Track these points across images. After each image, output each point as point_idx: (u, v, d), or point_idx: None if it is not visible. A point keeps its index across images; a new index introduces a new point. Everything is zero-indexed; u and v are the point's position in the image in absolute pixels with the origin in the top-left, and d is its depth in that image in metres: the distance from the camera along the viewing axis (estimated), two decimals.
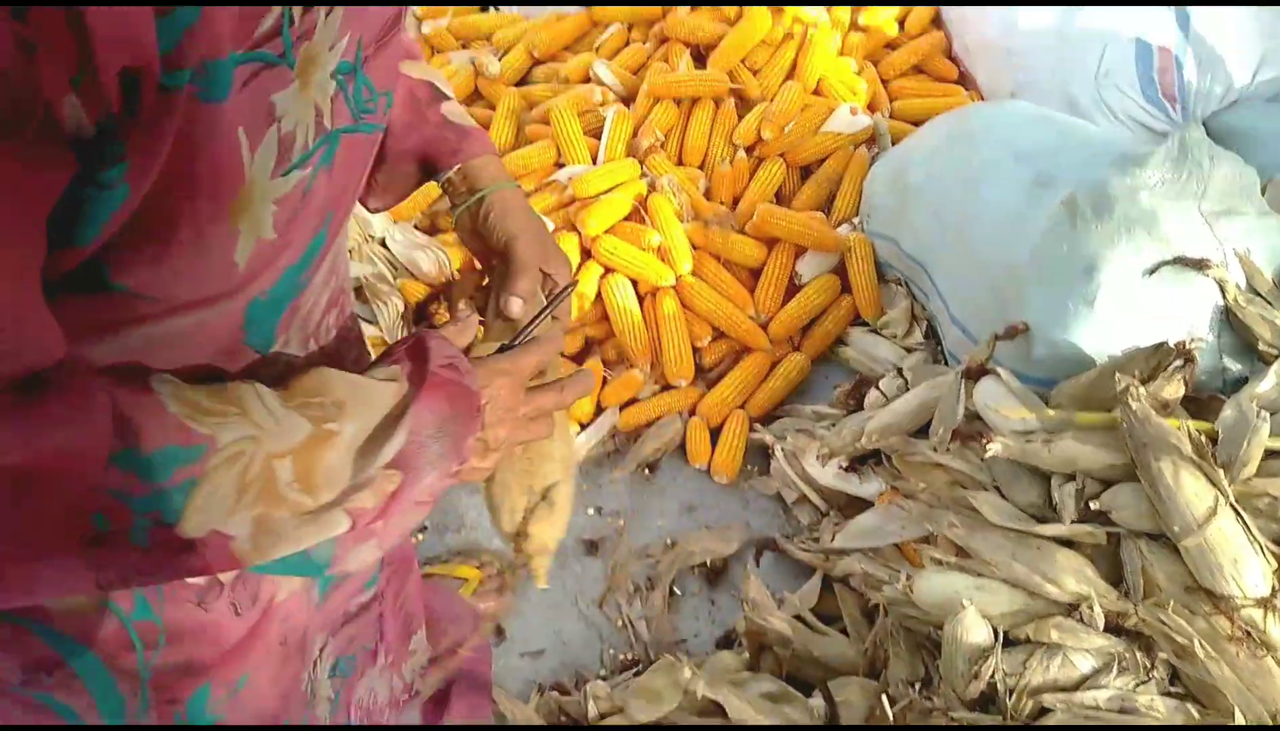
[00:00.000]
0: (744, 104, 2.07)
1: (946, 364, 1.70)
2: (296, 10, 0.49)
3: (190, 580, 0.69)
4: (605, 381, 1.83)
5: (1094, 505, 1.19)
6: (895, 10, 2.26)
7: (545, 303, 0.83)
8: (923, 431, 1.46)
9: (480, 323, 0.81)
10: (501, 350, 0.75)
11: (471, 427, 0.66)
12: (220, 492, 0.53)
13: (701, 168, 2.04)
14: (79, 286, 0.50)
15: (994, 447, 1.21)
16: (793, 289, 1.87)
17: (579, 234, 1.86)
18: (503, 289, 0.82)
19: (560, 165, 2.01)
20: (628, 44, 2.25)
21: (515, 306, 0.80)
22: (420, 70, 0.85)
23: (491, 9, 2.49)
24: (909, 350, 1.79)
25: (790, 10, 2.12)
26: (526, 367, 0.74)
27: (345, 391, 0.60)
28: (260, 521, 0.55)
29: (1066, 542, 1.21)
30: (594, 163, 1.99)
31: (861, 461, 1.57)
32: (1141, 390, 1.13)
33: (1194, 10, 1.91)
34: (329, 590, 0.90)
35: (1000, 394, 1.30)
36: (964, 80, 2.21)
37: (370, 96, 0.60)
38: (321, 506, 0.58)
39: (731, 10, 2.14)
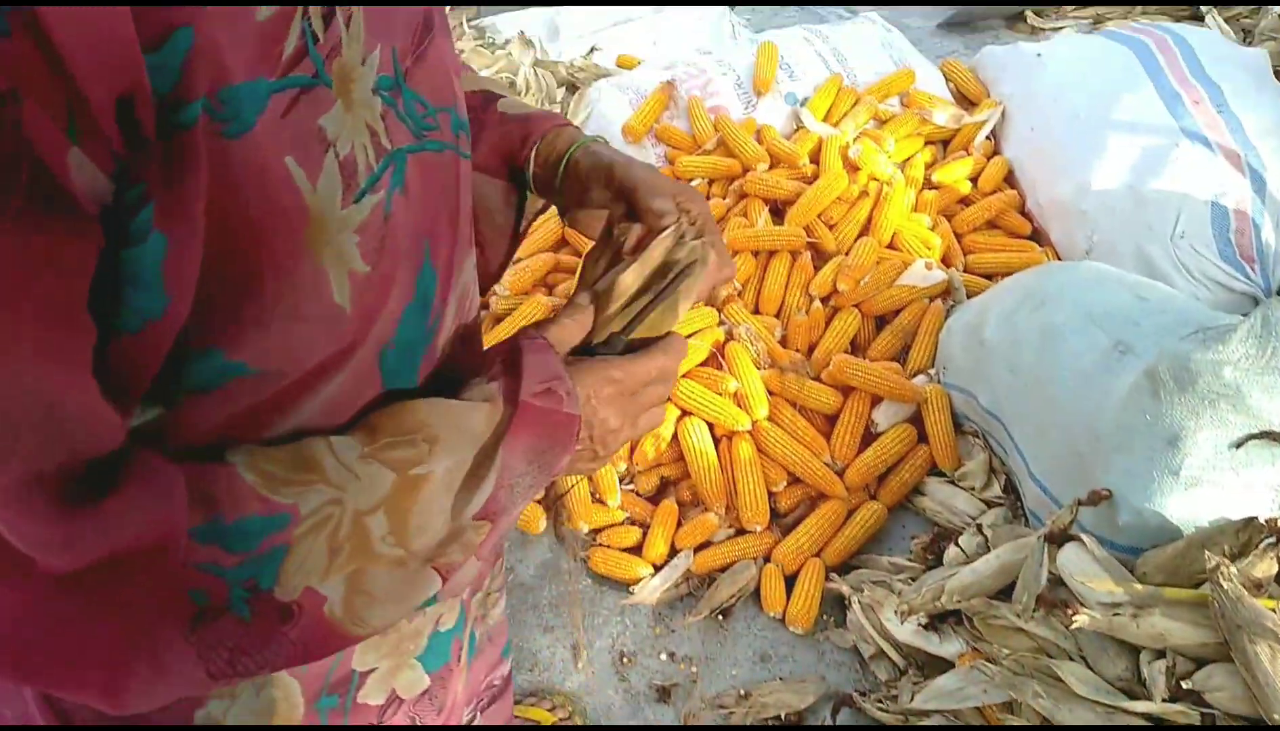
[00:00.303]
0: (820, 256, 2.14)
1: (1027, 522, 1.69)
2: (317, 26, 0.47)
3: (372, 700, 0.68)
4: (680, 523, 1.86)
5: (1186, 684, 1.16)
6: (968, 168, 2.34)
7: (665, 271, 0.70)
8: (1004, 593, 1.45)
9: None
10: (612, 340, 0.68)
11: (565, 454, 0.63)
12: (314, 556, 0.51)
13: (778, 316, 2.10)
14: (203, 380, 0.49)
15: (1080, 620, 1.20)
16: (869, 437, 1.90)
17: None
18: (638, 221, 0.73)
19: None
20: (708, 198, 2.36)
21: (666, 217, 0.71)
22: (469, 81, 0.78)
23: None
24: (988, 504, 1.79)
25: (866, 168, 2.21)
26: (640, 377, 0.67)
27: (437, 423, 0.57)
28: (354, 580, 0.53)
29: (1157, 722, 1.18)
30: None
31: (941, 619, 1.56)
32: (1232, 569, 1.12)
33: (1269, 173, 1.94)
34: (474, 658, 0.86)
35: (1085, 562, 1.29)
36: (1037, 236, 2.26)
37: (426, 112, 0.58)
38: (414, 559, 0.56)
39: (809, 168, 2.24)
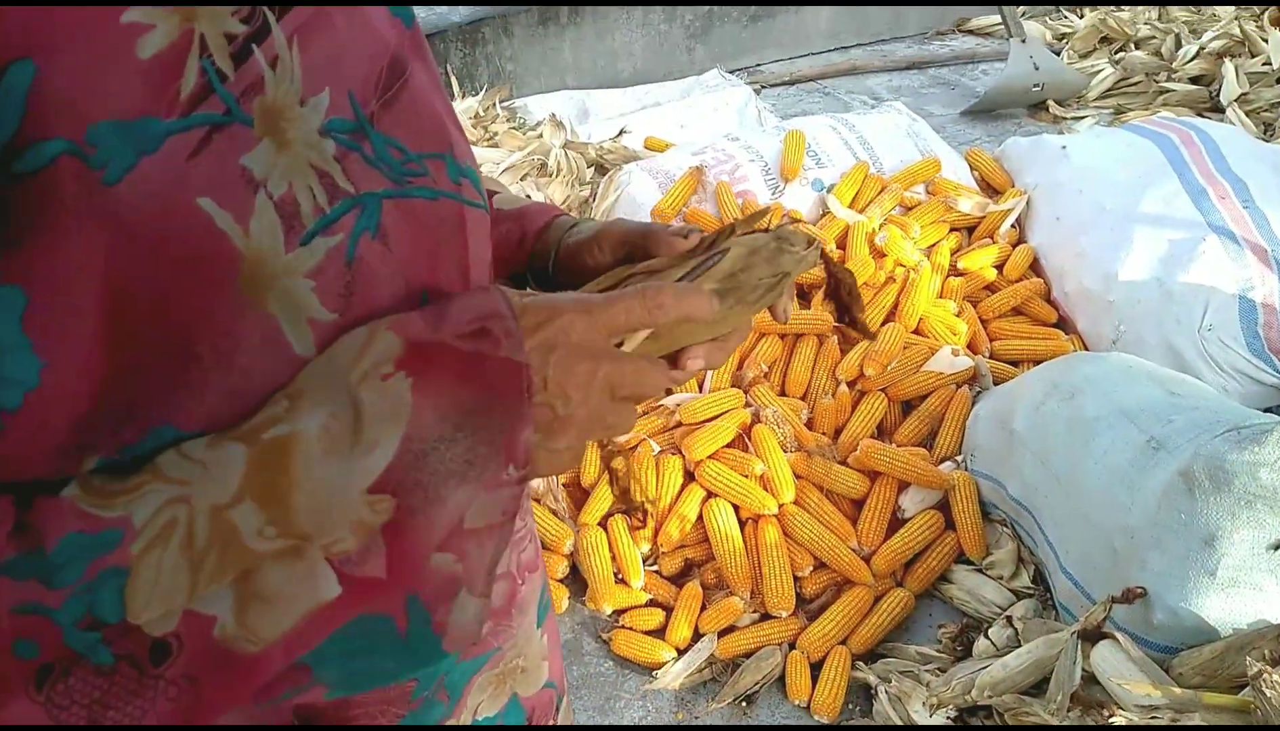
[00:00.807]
0: (846, 341, 2.16)
1: (1057, 614, 1.67)
2: (223, 65, 0.44)
3: None
4: (704, 607, 1.84)
5: None
6: (994, 255, 2.36)
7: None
8: (1036, 688, 1.43)
9: None
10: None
11: (515, 417, 0.49)
12: (167, 573, 0.42)
13: (804, 399, 2.11)
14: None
15: (1118, 722, 1.17)
16: (895, 523, 1.89)
17: (684, 457, 1.93)
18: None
19: (668, 391, 2.11)
20: None
21: (691, 236, 0.64)
22: None
23: None
24: (1016, 594, 1.77)
25: (892, 254, 2.24)
26: (616, 316, 0.54)
27: (301, 377, 0.47)
28: (242, 586, 0.44)
29: None
30: (700, 390, 2.08)
31: (971, 713, 1.53)
32: (1275, 675, 1.10)
33: None
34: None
35: (1120, 662, 1.27)
36: (1063, 324, 2.27)
37: (405, 157, 0.54)
38: (313, 546, 0.45)
39: (836, 254, 2.27)
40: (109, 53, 0.40)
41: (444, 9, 3.24)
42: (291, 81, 0.47)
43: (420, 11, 3.19)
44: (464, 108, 3.36)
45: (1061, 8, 4.33)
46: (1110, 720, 1.17)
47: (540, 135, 3.24)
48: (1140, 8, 4.08)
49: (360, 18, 0.53)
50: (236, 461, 0.45)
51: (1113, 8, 4.08)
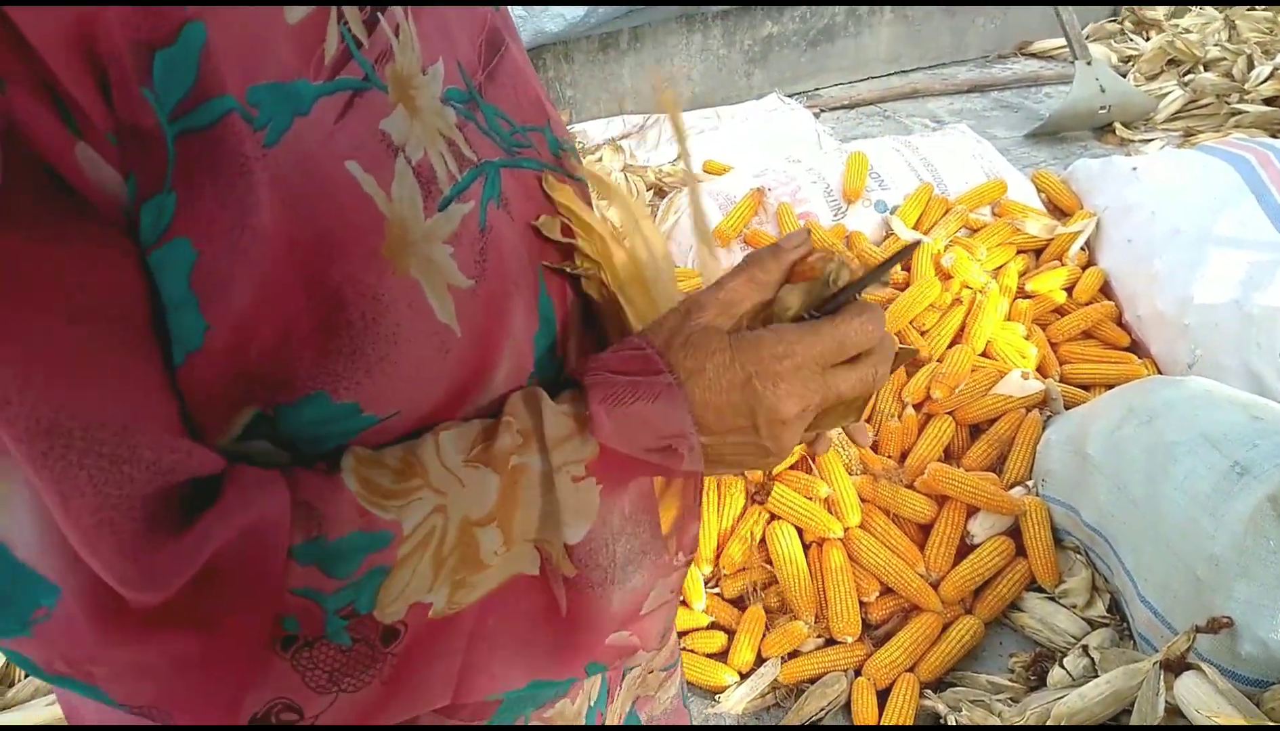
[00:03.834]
0: (913, 363, 2.13)
1: (1135, 645, 1.62)
2: (358, 31, 0.45)
3: None
4: (767, 630, 1.82)
5: None
6: (1063, 278, 2.32)
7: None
8: (1114, 720, 1.39)
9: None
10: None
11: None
12: (418, 576, 0.46)
13: (870, 421, 2.08)
14: (318, 429, 0.46)
15: None
16: (964, 549, 1.85)
17: (745, 478, 1.91)
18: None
19: None
20: None
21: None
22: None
23: None
24: (1091, 624, 1.72)
25: (959, 276, 2.21)
26: (821, 347, 0.53)
27: (531, 417, 0.50)
28: (458, 584, 0.48)
29: None
30: None
31: None
32: None
33: None
34: None
35: (1207, 694, 1.23)
36: (1136, 348, 2.22)
37: (512, 129, 0.55)
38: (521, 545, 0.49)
39: (900, 275, 2.25)
40: (263, 17, 0.41)
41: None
42: (413, 50, 0.48)
43: None
44: None
45: (1128, 31, 4.26)
46: None
47: (600, 159, 3.27)
48: (1209, 29, 4.00)
49: None
50: (491, 487, 0.48)
51: (1180, 30, 4.01)
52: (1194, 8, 4.24)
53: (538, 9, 3.31)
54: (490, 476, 0.48)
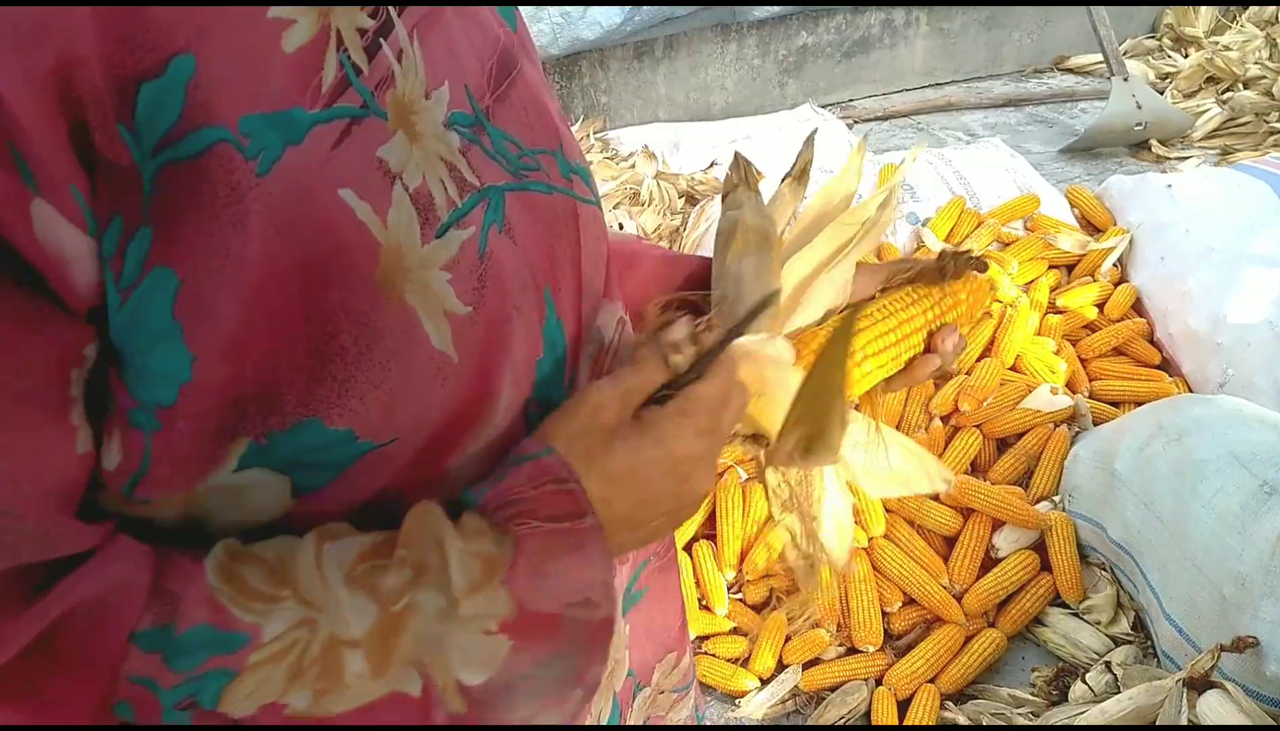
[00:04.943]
0: (941, 376, 2.13)
1: (1159, 662, 1.61)
2: (358, 59, 0.45)
3: None
4: (789, 638, 1.83)
5: None
6: (1094, 294, 2.31)
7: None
8: None
9: None
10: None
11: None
12: (268, 683, 0.44)
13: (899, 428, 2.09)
14: (312, 455, 0.46)
15: None
16: (989, 562, 1.85)
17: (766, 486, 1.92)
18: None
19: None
20: None
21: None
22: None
23: None
24: (1115, 640, 1.72)
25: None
26: (713, 401, 0.56)
27: (430, 550, 0.48)
28: (321, 692, 0.45)
29: None
30: None
31: None
32: None
33: None
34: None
35: (1230, 712, 1.23)
36: (1166, 366, 2.21)
37: (520, 152, 0.55)
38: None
39: None
40: (258, 46, 0.41)
41: (543, 41, 3.33)
42: (416, 75, 0.48)
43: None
44: None
45: (1166, 47, 4.23)
46: None
47: (633, 166, 3.30)
48: (1250, 47, 3.96)
49: (469, 14, 0.55)
50: (367, 615, 0.46)
51: (1220, 48, 3.97)
52: (1233, 25, 4.21)
53: (575, 16, 3.34)
54: (369, 604, 0.46)
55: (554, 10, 3.32)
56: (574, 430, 0.53)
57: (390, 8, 0.47)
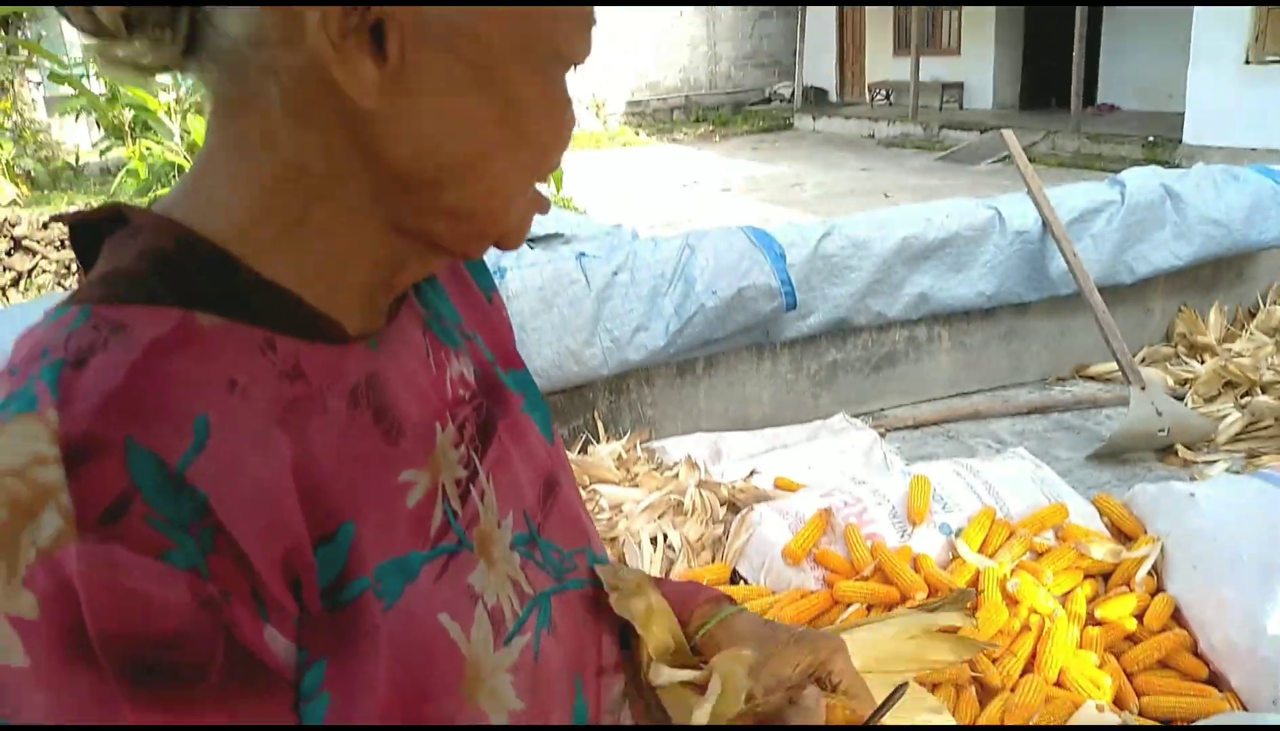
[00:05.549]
0: (984, 691, 2.13)
1: None
2: (455, 504, 0.55)
3: None
4: None
5: None
6: (1133, 604, 2.34)
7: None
8: None
9: None
10: None
11: None
12: None
13: None
14: None
15: None
16: None
17: None
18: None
19: None
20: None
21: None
22: None
23: None
24: None
25: (1026, 602, 2.26)
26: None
27: None
28: None
29: None
30: None
31: None
32: None
33: None
34: None
35: None
36: (1215, 679, 2.18)
37: (562, 557, 0.66)
38: None
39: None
40: (393, 507, 0.52)
41: (595, 364, 3.65)
42: (493, 509, 0.60)
43: (573, 366, 3.62)
44: (609, 450, 3.67)
45: (1181, 354, 4.46)
46: None
47: (676, 475, 3.48)
48: (1262, 353, 4.17)
49: (525, 447, 0.67)
50: None
51: (1233, 355, 4.19)
52: (1243, 333, 4.45)
53: (624, 340, 3.68)
54: None
55: (605, 337, 3.66)
56: None
57: (475, 456, 0.60)
